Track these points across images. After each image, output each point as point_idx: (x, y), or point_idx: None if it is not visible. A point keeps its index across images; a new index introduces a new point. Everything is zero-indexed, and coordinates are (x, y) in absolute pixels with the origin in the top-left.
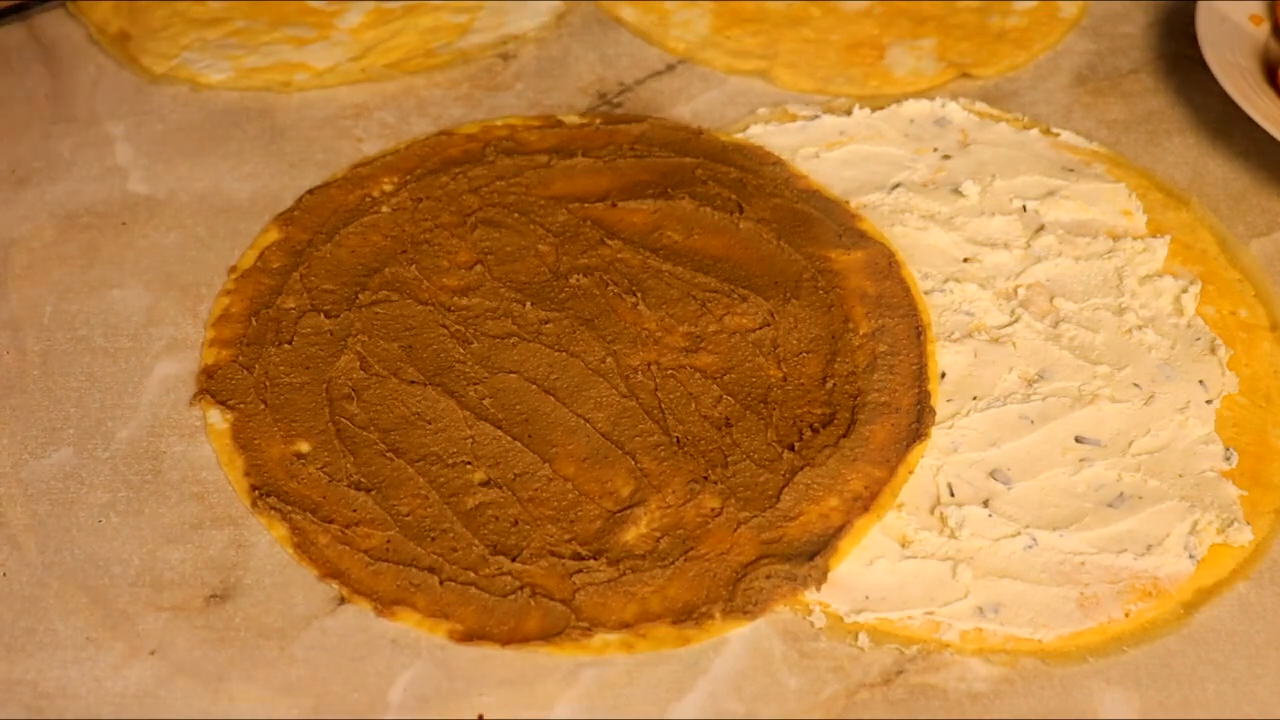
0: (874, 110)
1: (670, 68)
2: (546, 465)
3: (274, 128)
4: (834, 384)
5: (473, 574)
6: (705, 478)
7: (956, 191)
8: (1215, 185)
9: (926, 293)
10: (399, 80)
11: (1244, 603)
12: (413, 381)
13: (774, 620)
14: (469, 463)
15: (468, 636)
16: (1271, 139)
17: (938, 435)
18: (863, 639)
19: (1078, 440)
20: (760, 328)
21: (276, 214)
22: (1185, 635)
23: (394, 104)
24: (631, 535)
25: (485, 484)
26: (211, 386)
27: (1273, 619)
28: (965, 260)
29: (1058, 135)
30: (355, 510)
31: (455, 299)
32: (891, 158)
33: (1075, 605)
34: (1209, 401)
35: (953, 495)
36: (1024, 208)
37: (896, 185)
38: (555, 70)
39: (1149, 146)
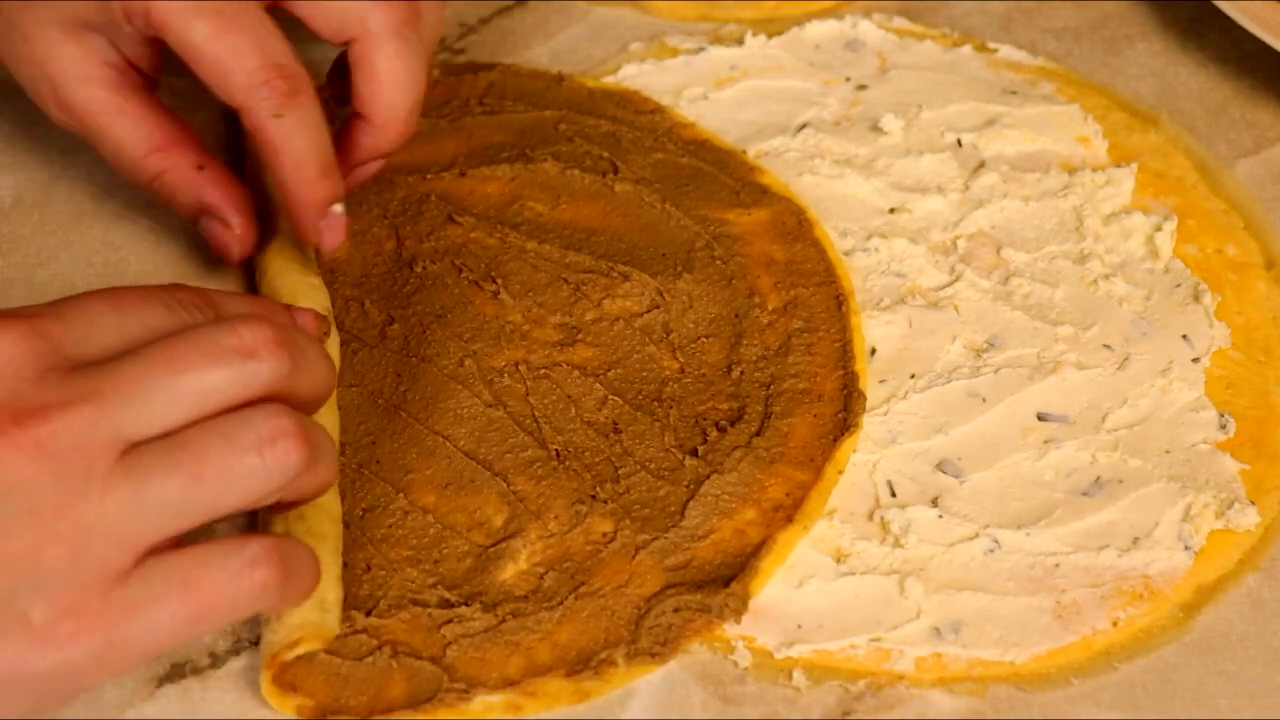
0: (770, 37)
1: (521, 0)
2: (400, 496)
3: (30, 105)
4: (741, 372)
5: None
6: (593, 496)
7: (876, 128)
8: (1189, 98)
9: (846, 254)
10: None
11: (1255, 598)
12: None
13: (689, 662)
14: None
15: (320, 712)
16: (1255, 38)
17: (871, 425)
18: (798, 677)
19: (1040, 418)
20: (648, 311)
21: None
22: (1187, 643)
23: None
24: (509, 573)
25: None
26: None
27: None
28: (891, 211)
29: (995, 51)
30: None
31: None
32: (795, 93)
33: (1052, 617)
34: (1196, 360)
35: (894, 495)
36: (959, 142)
37: (803, 126)
38: None
39: (1107, 57)
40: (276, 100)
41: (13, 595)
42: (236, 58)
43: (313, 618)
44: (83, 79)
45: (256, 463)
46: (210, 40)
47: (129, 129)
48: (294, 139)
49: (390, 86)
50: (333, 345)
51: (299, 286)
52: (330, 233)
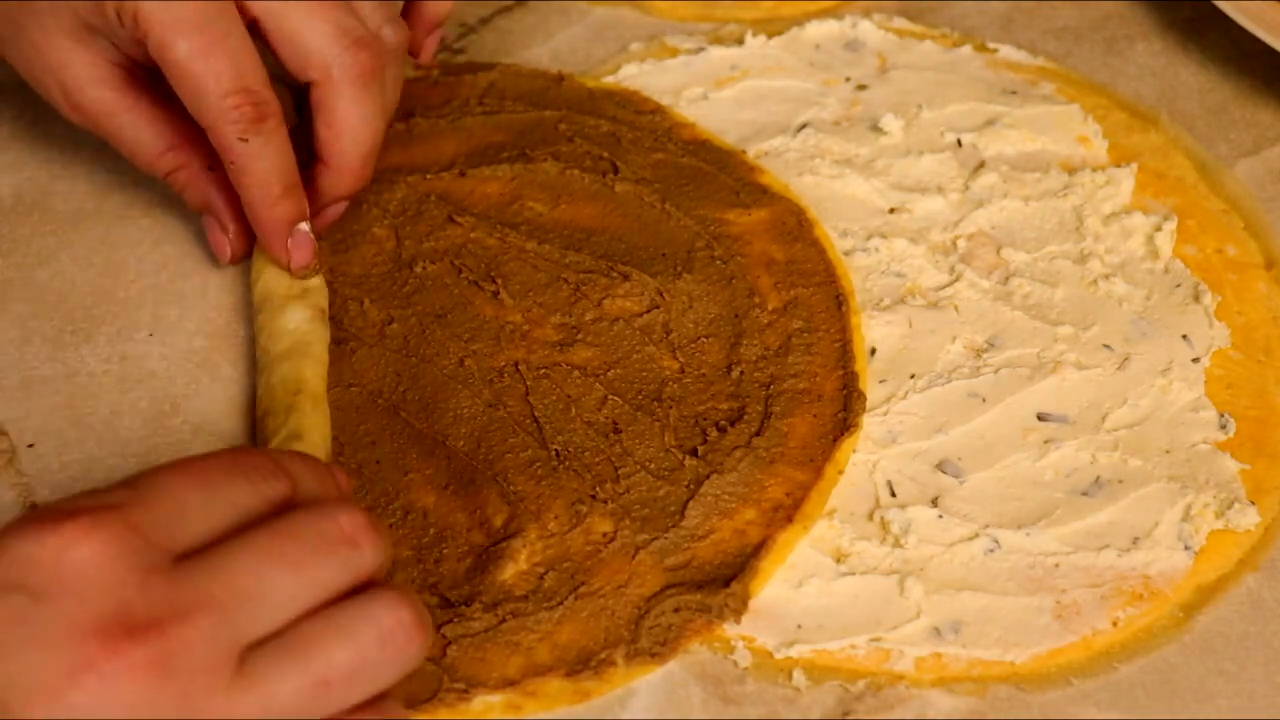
0: (770, 37)
1: (521, 0)
2: (400, 495)
3: (35, 102)
4: (741, 372)
5: None
6: (593, 496)
7: (876, 128)
8: (1189, 98)
9: (846, 254)
10: None
11: (1255, 599)
12: None
13: (689, 662)
14: None
15: None
16: (1255, 38)
17: (871, 425)
18: (798, 677)
19: (1040, 418)
20: (647, 311)
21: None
22: (1187, 643)
23: None
24: (509, 573)
25: None
26: None
27: None
28: (891, 211)
29: (995, 51)
30: None
31: None
32: (795, 93)
33: (1051, 617)
34: (1196, 360)
35: (894, 495)
36: (959, 142)
37: (803, 126)
38: None
39: (1107, 57)
40: (243, 125)
41: None
42: (212, 79)
43: None
44: (93, 81)
45: (379, 657)
46: (190, 59)
47: (141, 129)
48: (258, 161)
49: (346, 133)
50: (323, 345)
51: (295, 287)
52: (298, 251)
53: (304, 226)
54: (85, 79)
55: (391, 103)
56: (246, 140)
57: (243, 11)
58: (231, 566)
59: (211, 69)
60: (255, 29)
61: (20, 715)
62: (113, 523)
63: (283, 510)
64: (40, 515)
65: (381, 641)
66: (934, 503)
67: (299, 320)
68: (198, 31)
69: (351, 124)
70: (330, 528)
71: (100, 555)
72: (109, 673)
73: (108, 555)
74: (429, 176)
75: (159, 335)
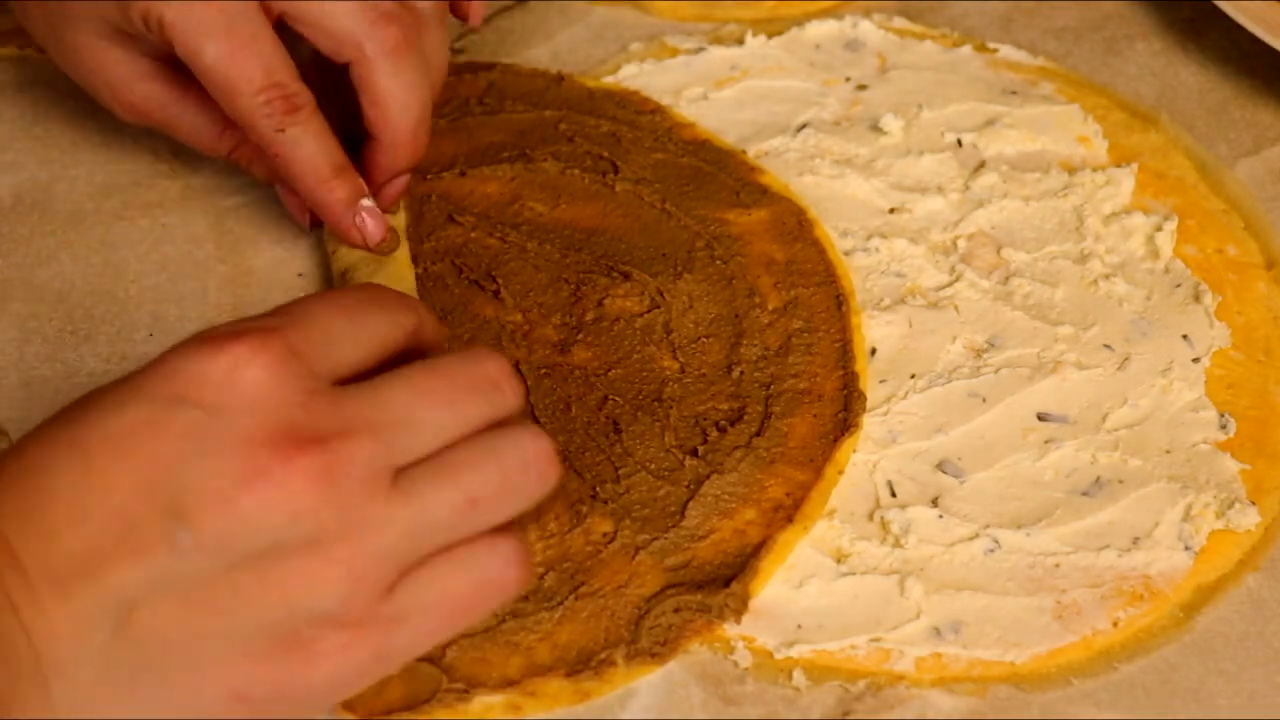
0: (771, 37)
1: (521, 0)
2: None
3: (35, 102)
4: (741, 372)
5: None
6: (593, 496)
7: (876, 128)
8: (1189, 98)
9: (846, 253)
10: None
11: (1255, 599)
12: None
13: (689, 662)
14: None
15: None
16: (1255, 38)
17: (871, 425)
18: (798, 677)
19: (1041, 418)
20: (648, 311)
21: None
22: (1187, 643)
23: None
24: None
25: None
26: None
27: None
28: (891, 211)
29: (995, 51)
30: None
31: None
32: (795, 93)
33: (1052, 617)
34: (1196, 360)
35: (894, 495)
36: (959, 142)
37: (803, 126)
38: None
39: (1107, 57)
40: (278, 118)
41: (290, 619)
42: (243, 79)
43: None
44: (138, 77)
45: (521, 481)
46: (219, 62)
47: (195, 115)
48: (299, 148)
49: (391, 106)
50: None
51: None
52: (369, 226)
53: (367, 202)
54: (130, 76)
55: (437, 69)
56: (284, 131)
57: (267, 11)
58: (389, 397)
59: (241, 70)
60: (284, 22)
61: (195, 521)
62: (276, 345)
63: (414, 341)
64: (205, 337)
65: (525, 466)
66: (934, 503)
67: None
68: (224, 34)
69: (396, 97)
70: (477, 370)
71: (268, 375)
72: (279, 479)
73: (274, 376)
74: (429, 177)
75: (159, 335)
